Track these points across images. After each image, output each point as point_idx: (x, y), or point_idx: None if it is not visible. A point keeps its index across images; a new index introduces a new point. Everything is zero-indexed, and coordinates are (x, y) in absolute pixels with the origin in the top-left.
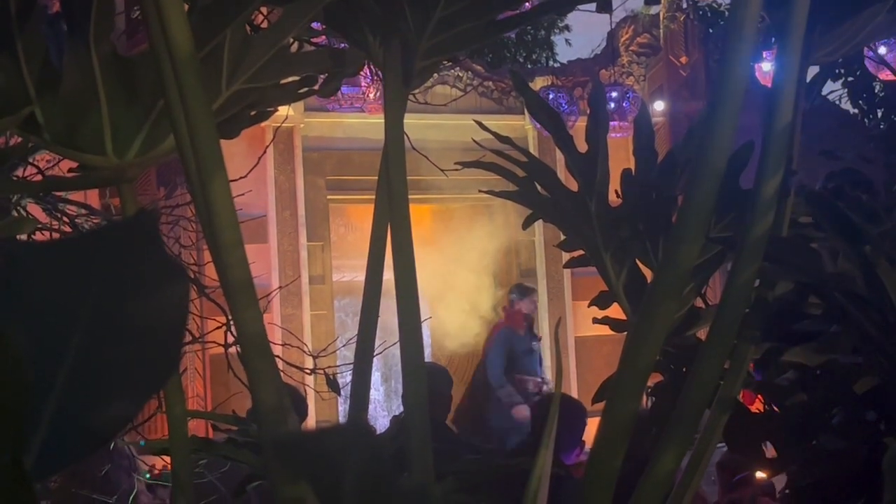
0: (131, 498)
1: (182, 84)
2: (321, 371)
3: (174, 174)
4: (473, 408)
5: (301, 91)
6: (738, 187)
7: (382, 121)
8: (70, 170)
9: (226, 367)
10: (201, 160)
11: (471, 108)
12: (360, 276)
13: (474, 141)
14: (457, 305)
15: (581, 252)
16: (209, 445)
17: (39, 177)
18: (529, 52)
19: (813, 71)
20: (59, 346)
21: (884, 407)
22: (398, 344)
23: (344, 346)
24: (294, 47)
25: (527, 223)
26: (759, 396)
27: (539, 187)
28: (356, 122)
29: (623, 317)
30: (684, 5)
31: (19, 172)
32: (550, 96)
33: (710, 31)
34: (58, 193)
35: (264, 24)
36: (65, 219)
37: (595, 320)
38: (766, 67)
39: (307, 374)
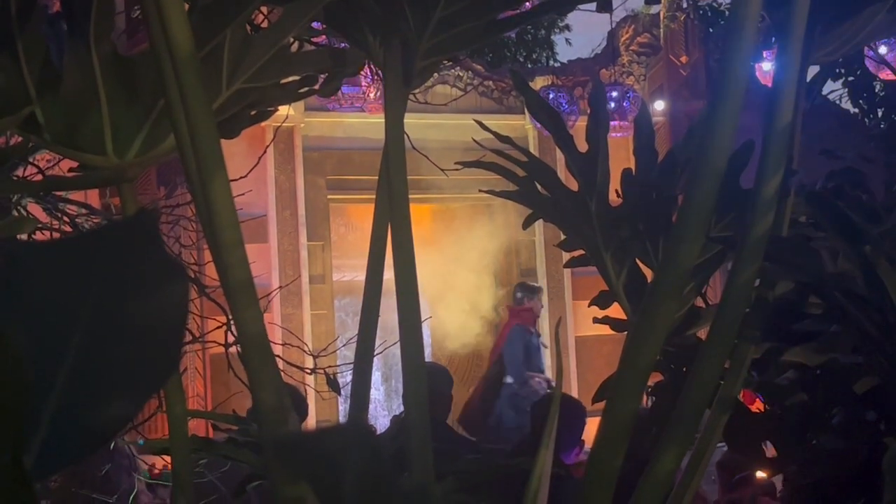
0: (131, 498)
1: (182, 84)
2: (321, 371)
3: (174, 174)
4: (485, 407)
5: (301, 91)
6: (738, 187)
7: (383, 120)
8: (70, 169)
9: (226, 367)
10: (201, 160)
11: (471, 108)
12: (361, 276)
13: (474, 141)
14: (457, 305)
15: (581, 252)
16: (209, 445)
17: (40, 176)
18: (530, 52)
19: (813, 70)
20: (59, 345)
21: (884, 407)
22: (398, 343)
23: (344, 345)
24: (294, 47)
25: (527, 223)
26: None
27: (539, 187)
28: (356, 121)
29: (623, 316)
30: (685, 5)
31: (20, 172)
32: (551, 96)
33: (711, 30)
34: (58, 193)
35: (264, 24)
36: (65, 218)
37: (595, 320)
38: (766, 67)
39: (307, 373)
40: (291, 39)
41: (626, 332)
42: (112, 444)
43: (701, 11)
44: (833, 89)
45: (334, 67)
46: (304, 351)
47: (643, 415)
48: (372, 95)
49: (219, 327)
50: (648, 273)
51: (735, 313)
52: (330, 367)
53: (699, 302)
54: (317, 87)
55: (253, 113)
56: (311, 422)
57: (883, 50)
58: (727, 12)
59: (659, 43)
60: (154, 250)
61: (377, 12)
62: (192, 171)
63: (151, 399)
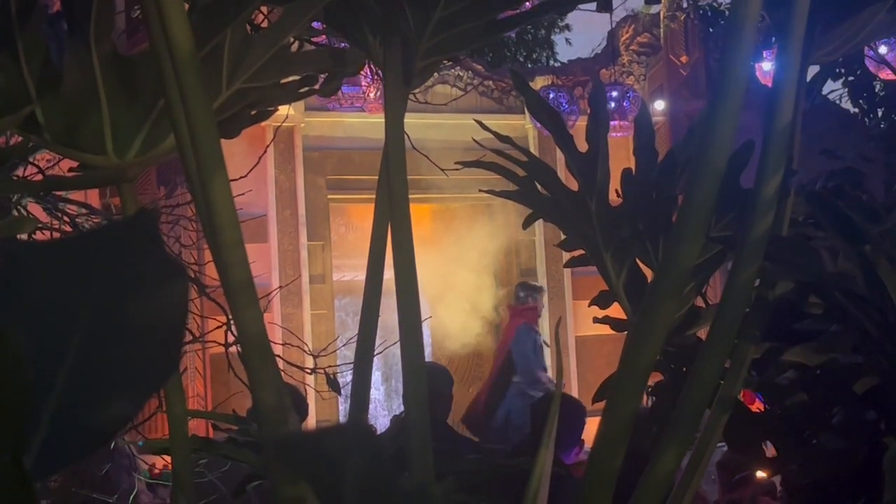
0: (132, 497)
1: (182, 83)
2: (321, 370)
3: (174, 173)
4: (492, 406)
5: (301, 90)
6: (738, 187)
7: (383, 120)
8: (70, 169)
9: (226, 367)
10: (202, 159)
11: (471, 108)
12: (361, 276)
13: (475, 140)
14: (457, 305)
15: (581, 251)
16: (209, 445)
17: (40, 176)
18: (530, 52)
19: (813, 70)
20: (59, 345)
21: (884, 406)
22: (399, 343)
23: (344, 345)
24: (294, 47)
25: (527, 223)
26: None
27: (539, 187)
28: (356, 121)
29: (623, 316)
30: (685, 5)
31: (20, 172)
32: (551, 96)
33: (711, 30)
34: (58, 193)
35: (265, 24)
36: (65, 218)
37: (595, 320)
38: (766, 67)
39: (307, 373)
40: (291, 39)
41: (626, 332)
42: (112, 444)
43: (701, 11)
44: (833, 89)
45: (334, 67)
46: (305, 351)
47: (643, 414)
48: (372, 95)
49: (219, 327)
50: (648, 273)
51: (735, 313)
52: (330, 366)
53: (699, 302)
54: (317, 86)
55: (253, 113)
56: (311, 422)
57: (883, 50)
58: (727, 12)
59: (659, 43)
60: (154, 250)
61: (377, 12)
62: (192, 170)
63: (151, 399)
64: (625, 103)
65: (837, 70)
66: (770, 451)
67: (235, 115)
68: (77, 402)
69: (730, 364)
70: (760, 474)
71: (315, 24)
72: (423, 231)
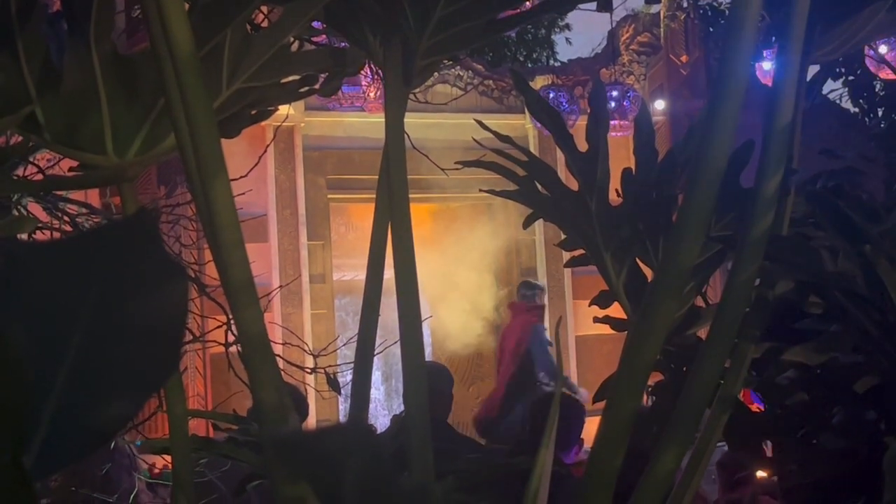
0: (132, 497)
1: (182, 83)
2: (322, 370)
3: (175, 173)
4: (510, 408)
5: (302, 90)
6: (738, 186)
7: (383, 120)
8: (70, 169)
9: (226, 366)
10: (202, 159)
11: (471, 107)
12: (361, 275)
13: (475, 140)
14: (458, 305)
15: (581, 251)
16: (210, 444)
17: (40, 176)
18: (530, 51)
19: (813, 70)
20: (59, 345)
21: (884, 406)
22: (399, 343)
23: (344, 345)
24: (294, 46)
25: (527, 222)
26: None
27: (539, 186)
28: (357, 121)
29: (623, 316)
30: (685, 4)
31: (20, 171)
32: (551, 95)
33: (711, 29)
34: (58, 192)
35: (265, 24)
36: (65, 218)
37: (595, 319)
38: (766, 66)
39: (308, 373)
40: (292, 39)
41: (626, 332)
42: (112, 444)
43: (701, 11)
44: (833, 88)
45: (334, 67)
46: (305, 350)
47: (643, 414)
48: (372, 95)
49: (219, 327)
50: (648, 272)
51: (735, 313)
52: (330, 366)
53: (699, 301)
54: (317, 86)
55: (253, 112)
56: (311, 421)
57: (883, 49)
58: (727, 12)
59: (659, 42)
60: (154, 250)
61: (377, 11)
62: (192, 170)
63: (151, 398)
64: (625, 103)
65: (837, 69)
66: (770, 450)
67: (235, 115)
68: (77, 402)
69: (730, 364)
70: (760, 474)
71: (315, 24)
72: (423, 231)
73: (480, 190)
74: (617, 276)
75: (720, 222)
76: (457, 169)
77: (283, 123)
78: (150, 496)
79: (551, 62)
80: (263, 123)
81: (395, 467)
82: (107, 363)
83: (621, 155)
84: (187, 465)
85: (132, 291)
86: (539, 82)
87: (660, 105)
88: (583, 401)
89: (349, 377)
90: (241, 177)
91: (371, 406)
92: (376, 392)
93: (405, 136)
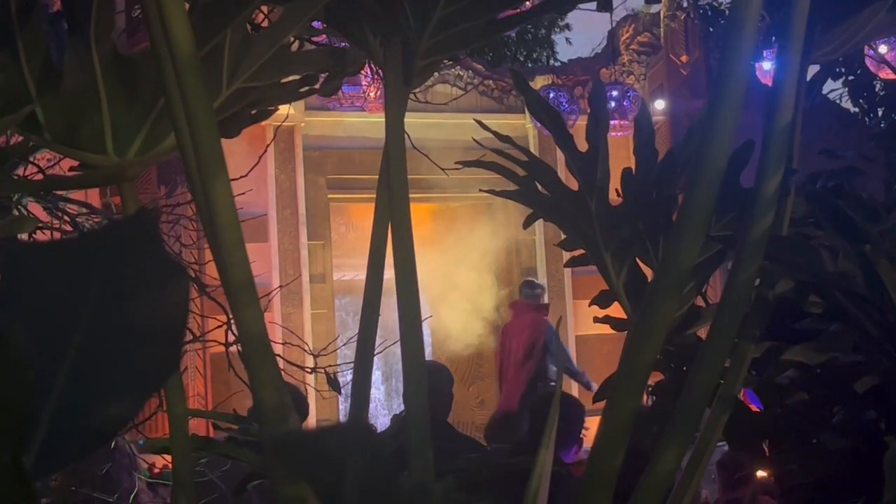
0: (132, 497)
1: (183, 83)
2: (322, 370)
3: (175, 173)
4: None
5: (302, 90)
6: (738, 186)
7: (383, 120)
8: (71, 168)
9: (226, 366)
10: (202, 159)
11: (471, 107)
12: (361, 275)
13: (475, 140)
14: (458, 305)
15: (581, 251)
16: (210, 444)
17: (40, 176)
18: (530, 51)
19: (813, 69)
20: (59, 345)
21: (884, 406)
22: (399, 343)
23: (344, 344)
24: (295, 46)
25: (527, 222)
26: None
27: (539, 186)
28: (357, 120)
29: (623, 315)
30: (685, 4)
31: (20, 171)
32: (551, 95)
33: (711, 29)
34: (58, 192)
35: (265, 23)
36: (65, 218)
37: (596, 319)
38: (766, 66)
39: (308, 372)
40: (292, 39)
41: (626, 332)
42: (112, 443)
43: (701, 11)
44: (833, 88)
45: (335, 67)
46: (305, 350)
47: (643, 413)
48: (372, 95)
49: (219, 326)
50: (648, 272)
51: (735, 312)
52: (330, 366)
53: (699, 301)
54: (317, 86)
55: (253, 112)
56: (311, 421)
57: (883, 49)
58: (728, 11)
59: (659, 42)
60: (154, 250)
61: (377, 11)
62: (192, 170)
63: (152, 398)
64: (625, 103)
65: (837, 69)
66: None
67: (236, 115)
68: (77, 402)
69: (730, 363)
70: (761, 473)
71: (315, 24)
72: (423, 231)
73: (480, 190)
74: (617, 276)
75: (720, 222)
76: (457, 169)
77: (284, 123)
78: (151, 496)
79: (551, 62)
80: (263, 123)
81: (395, 467)
82: (107, 363)
83: (621, 155)
84: (187, 464)
85: (132, 291)
86: (539, 82)
87: (660, 105)
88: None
89: (349, 377)
90: (242, 177)
91: (371, 406)
92: (376, 392)
93: (405, 135)
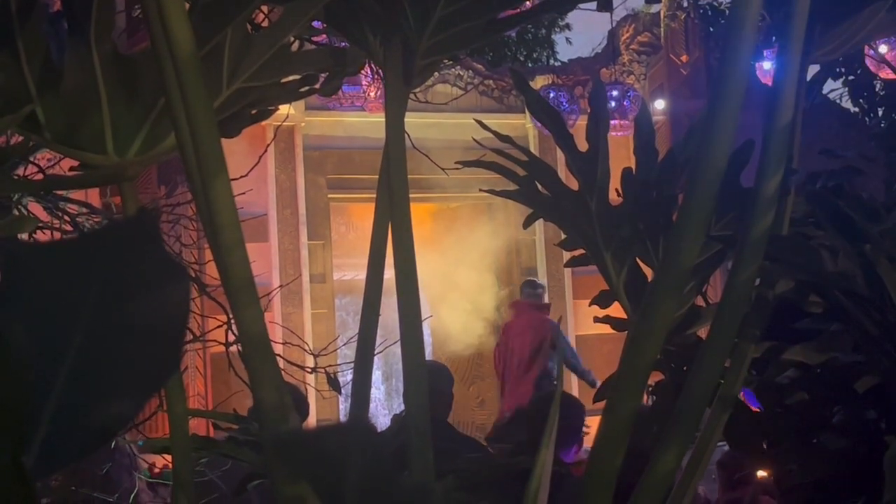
0: (132, 496)
1: (183, 82)
2: (322, 370)
3: (175, 172)
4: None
5: (302, 90)
6: (738, 186)
7: (383, 119)
8: (71, 168)
9: (227, 366)
10: (202, 159)
11: (471, 107)
12: (361, 275)
13: (475, 140)
14: (458, 305)
15: (582, 251)
16: (210, 444)
17: (40, 175)
18: (530, 51)
19: (813, 69)
20: (59, 345)
21: (884, 405)
22: (399, 342)
23: (345, 344)
24: (295, 46)
25: (527, 222)
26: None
27: (540, 186)
28: (357, 120)
29: (624, 315)
30: (685, 4)
31: (20, 171)
32: (551, 95)
33: (711, 29)
34: (59, 192)
35: (265, 23)
36: (66, 217)
37: (596, 319)
38: (766, 66)
39: (308, 372)
40: (292, 38)
41: (626, 332)
42: (113, 443)
43: (701, 10)
44: (833, 88)
45: (335, 66)
46: (305, 350)
47: (643, 413)
48: (372, 94)
49: (219, 326)
50: (649, 272)
51: (735, 312)
52: (330, 366)
53: (699, 301)
54: (317, 86)
55: (253, 112)
56: (311, 421)
57: (883, 49)
58: (728, 11)
59: (659, 42)
60: (155, 250)
61: (378, 11)
62: (192, 169)
63: (152, 398)
64: (625, 102)
65: (838, 69)
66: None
67: (236, 115)
68: (77, 402)
69: (730, 363)
70: (761, 473)
71: (315, 24)
72: (423, 231)
73: (481, 190)
74: (617, 276)
75: (720, 222)
76: (457, 169)
77: (284, 123)
78: (151, 495)
79: (551, 62)
80: (264, 123)
81: (395, 466)
82: (107, 363)
83: (621, 155)
84: (188, 464)
85: (133, 291)
86: (539, 82)
87: (660, 105)
88: None
89: (349, 377)
90: (242, 176)
91: (371, 406)
92: (376, 392)
93: (405, 135)
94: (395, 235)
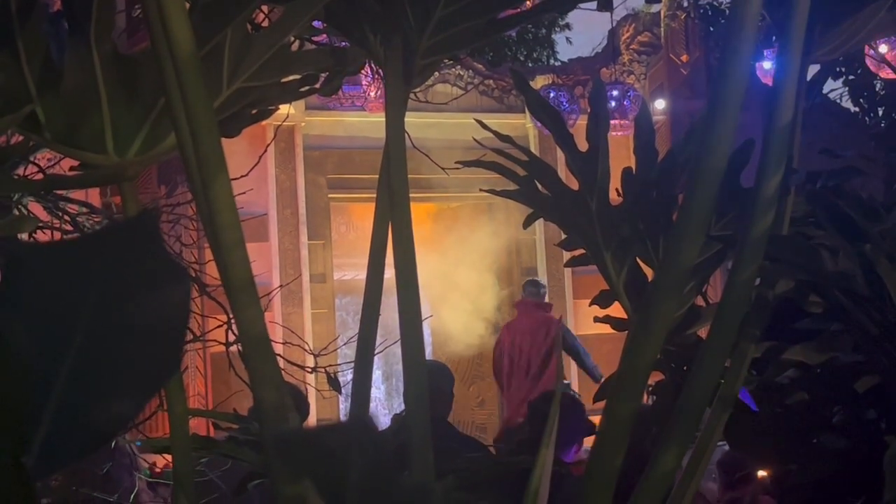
0: (132, 496)
1: (183, 82)
2: (322, 369)
3: (175, 172)
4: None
5: (302, 89)
6: (738, 186)
7: (383, 119)
8: (71, 168)
9: (227, 366)
10: (202, 159)
11: (472, 107)
12: (361, 275)
13: (475, 140)
14: (459, 306)
15: (582, 251)
16: (210, 444)
17: (40, 175)
18: (530, 51)
19: (814, 69)
20: (60, 345)
21: (884, 406)
22: (399, 342)
23: (345, 344)
24: (295, 46)
25: (527, 222)
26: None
27: (540, 186)
28: (357, 120)
29: (624, 315)
30: (685, 3)
31: (20, 171)
32: (551, 95)
33: (711, 29)
34: (59, 192)
35: (265, 23)
36: (66, 217)
37: (596, 319)
38: (766, 66)
39: (308, 372)
40: (292, 38)
41: (626, 332)
42: (113, 443)
43: (702, 10)
44: (833, 88)
45: (335, 66)
46: (305, 350)
47: (643, 413)
48: (373, 94)
49: (220, 326)
50: (649, 272)
51: (735, 312)
52: (331, 365)
53: (700, 301)
54: (317, 85)
55: (254, 112)
56: (312, 420)
57: (883, 49)
58: (728, 11)
59: (659, 42)
60: (155, 250)
61: (378, 11)
62: (192, 169)
63: (152, 398)
64: (625, 102)
65: (838, 69)
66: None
67: (236, 114)
68: (78, 402)
69: (730, 363)
70: (761, 473)
71: (316, 23)
72: (423, 231)
73: (481, 190)
74: (617, 276)
75: (720, 222)
76: (457, 168)
77: (284, 123)
78: (151, 495)
79: (552, 62)
80: (264, 123)
81: (396, 466)
82: (107, 363)
83: (622, 154)
84: (188, 464)
85: (133, 292)
86: (539, 82)
87: (660, 104)
88: None
89: (349, 376)
90: (242, 176)
91: (371, 405)
92: (377, 391)
93: (406, 135)
94: (396, 235)
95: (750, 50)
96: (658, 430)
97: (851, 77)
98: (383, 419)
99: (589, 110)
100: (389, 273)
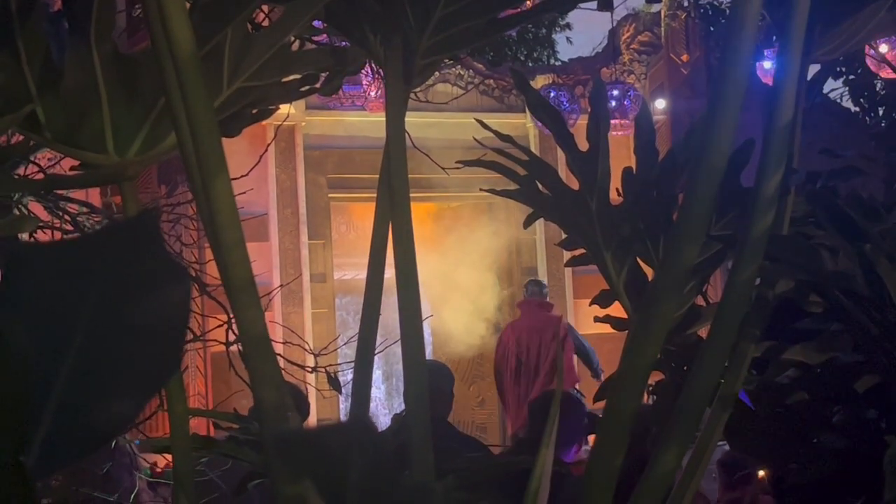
0: (133, 496)
1: (183, 82)
2: (322, 369)
3: (175, 172)
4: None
5: (302, 89)
6: (738, 185)
7: (384, 119)
8: (71, 168)
9: (227, 365)
10: (203, 158)
11: (472, 107)
12: (362, 275)
13: (475, 139)
14: (459, 305)
15: (582, 250)
16: (210, 443)
17: (41, 175)
18: (530, 51)
19: (814, 69)
20: (60, 345)
21: (884, 405)
22: (399, 342)
23: (345, 344)
24: (295, 45)
25: (528, 222)
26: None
27: (540, 186)
28: (357, 120)
29: (624, 315)
30: (685, 3)
31: (21, 171)
32: (551, 94)
33: (712, 29)
34: (59, 192)
35: (265, 23)
36: (66, 217)
37: (596, 319)
38: (767, 65)
39: (308, 372)
40: (292, 38)
41: (626, 331)
42: (113, 443)
43: (702, 10)
44: (834, 87)
45: (335, 66)
46: (305, 349)
47: (644, 413)
48: (373, 94)
49: (220, 326)
50: (649, 272)
51: (736, 312)
52: (331, 365)
53: (700, 300)
54: (318, 85)
55: (254, 111)
56: (312, 420)
57: (883, 48)
58: (728, 10)
59: (660, 41)
60: (155, 250)
61: (378, 11)
62: (193, 169)
63: (152, 398)
64: (626, 102)
65: (838, 69)
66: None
67: (236, 114)
68: (78, 402)
69: (730, 363)
70: (761, 473)
71: (316, 23)
72: (424, 231)
73: (481, 189)
74: (617, 276)
75: (720, 222)
76: (457, 168)
77: (284, 122)
78: (151, 495)
79: (552, 61)
80: (264, 122)
81: (396, 465)
82: (108, 363)
83: (622, 154)
84: (188, 463)
85: (133, 291)
86: (540, 81)
87: (660, 104)
88: None
89: (350, 376)
90: (242, 176)
91: (371, 405)
92: (377, 391)
93: (406, 135)
94: (396, 235)
95: (750, 50)
96: (658, 430)
97: (851, 77)
98: (383, 419)
99: (589, 110)
100: (390, 273)
